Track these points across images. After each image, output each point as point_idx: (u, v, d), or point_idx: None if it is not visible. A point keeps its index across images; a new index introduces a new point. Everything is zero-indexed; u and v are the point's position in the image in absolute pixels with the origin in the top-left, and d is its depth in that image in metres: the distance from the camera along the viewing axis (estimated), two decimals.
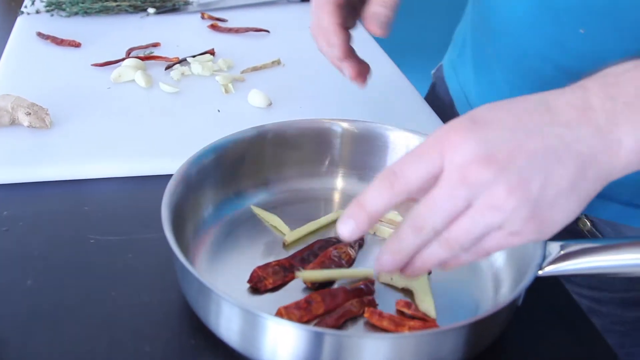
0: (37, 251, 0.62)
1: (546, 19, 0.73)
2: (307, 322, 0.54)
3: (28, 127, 0.78)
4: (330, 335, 0.48)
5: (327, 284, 0.58)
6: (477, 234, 0.47)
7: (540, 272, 0.54)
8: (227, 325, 0.51)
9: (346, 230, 0.49)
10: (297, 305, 0.53)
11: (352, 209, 0.48)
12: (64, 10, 1.13)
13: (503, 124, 0.47)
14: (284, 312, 0.53)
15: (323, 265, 0.59)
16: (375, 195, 0.48)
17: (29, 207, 0.68)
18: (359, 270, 0.60)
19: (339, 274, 0.59)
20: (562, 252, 0.55)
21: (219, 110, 0.86)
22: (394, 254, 0.49)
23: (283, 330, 0.49)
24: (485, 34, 0.86)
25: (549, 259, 0.54)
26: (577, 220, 0.79)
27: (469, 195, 0.46)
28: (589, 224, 0.79)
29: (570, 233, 0.78)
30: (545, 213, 0.47)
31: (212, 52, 1.01)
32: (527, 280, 0.52)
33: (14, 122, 0.78)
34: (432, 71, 1.06)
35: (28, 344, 0.53)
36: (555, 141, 0.46)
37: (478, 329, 0.51)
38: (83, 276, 0.60)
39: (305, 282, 0.58)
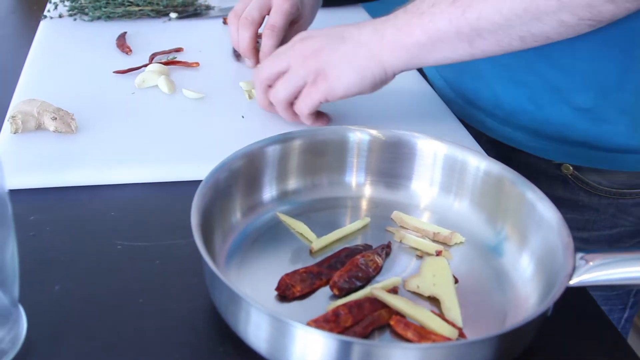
0: (64, 256, 0.63)
1: None
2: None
3: (54, 132, 0.78)
4: (359, 345, 0.48)
5: (354, 290, 0.58)
6: (291, 88, 0.78)
7: (570, 283, 0.53)
8: (256, 333, 0.51)
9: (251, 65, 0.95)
10: (325, 318, 0.53)
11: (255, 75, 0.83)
12: (86, 14, 1.13)
13: (321, 32, 0.78)
14: (314, 326, 0.53)
15: (350, 273, 0.59)
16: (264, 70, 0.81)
17: (56, 212, 0.69)
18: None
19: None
20: (591, 263, 0.55)
21: (243, 116, 0.86)
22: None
23: (312, 339, 0.49)
24: None
25: (579, 269, 0.54)
26: (560, 165, 0.88)
27: (284, 64, 0.78)
28: (571, 168, 0.88)
29: (557, 179, 0.88)
30: (331, 71, 0.76)
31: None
32: (557, 290, 0.52)
33: (39, 127, 0.78)
34: None
35: (56, 349, 0.53)
36: (346, 33, 0.77)
37: (507, 340, 0.50)
38: (110, 282, 0.60)
39: (332, 289, 0.58)
